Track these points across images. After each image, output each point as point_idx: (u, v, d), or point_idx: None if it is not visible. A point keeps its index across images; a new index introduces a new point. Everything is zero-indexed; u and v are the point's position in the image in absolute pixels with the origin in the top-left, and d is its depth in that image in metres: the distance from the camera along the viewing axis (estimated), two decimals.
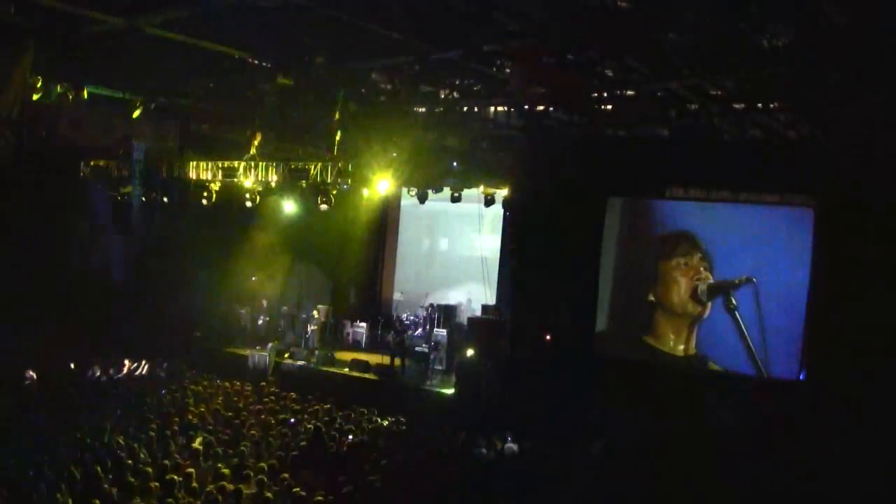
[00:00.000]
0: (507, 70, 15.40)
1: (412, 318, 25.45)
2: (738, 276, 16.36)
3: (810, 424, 14.29)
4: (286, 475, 11.79)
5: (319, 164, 21.60)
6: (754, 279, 16.19)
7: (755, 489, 12.45)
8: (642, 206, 18.06)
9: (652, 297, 17.39)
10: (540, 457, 13.99)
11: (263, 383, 20.39)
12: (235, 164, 22.87)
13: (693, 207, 17.27)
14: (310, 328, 23.69)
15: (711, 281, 16.72)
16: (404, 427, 16.49)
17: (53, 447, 12.81)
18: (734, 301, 16.42)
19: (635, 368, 17.02)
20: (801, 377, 15.56)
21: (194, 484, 11.31)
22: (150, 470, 11.70)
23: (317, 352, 22.26)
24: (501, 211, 21.50)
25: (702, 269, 16.83)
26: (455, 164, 20.66)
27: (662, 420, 14.86)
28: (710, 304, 16.75)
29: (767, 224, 16.37)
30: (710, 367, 16.77)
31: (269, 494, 11.01)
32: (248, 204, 23.71)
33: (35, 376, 18.39)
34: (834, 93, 14.15)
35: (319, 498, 10.90)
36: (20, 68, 15.80)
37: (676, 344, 17.18)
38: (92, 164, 24.88)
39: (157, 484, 11.10)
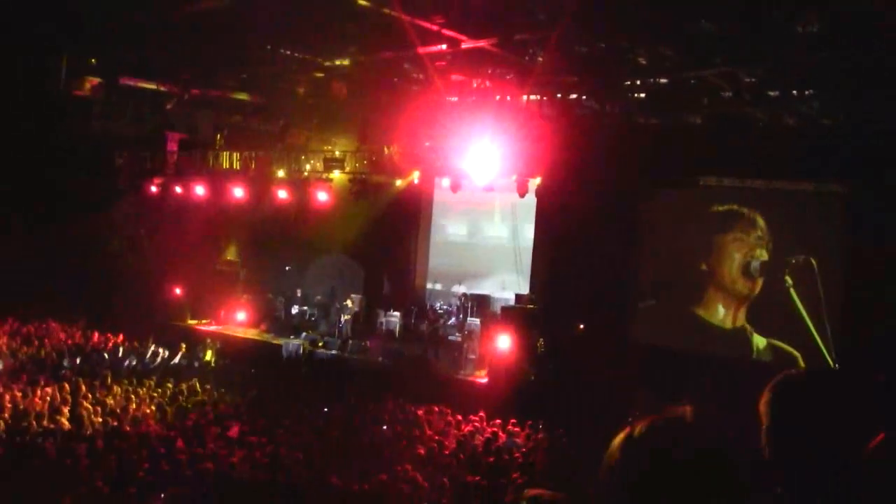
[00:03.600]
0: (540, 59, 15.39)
1: (445, 307, 25.46)
2: (796, 257, 16.27)
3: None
4: (320, 464, 11.87)
5: (353, 155, 21.68)
6: (813, 260, 16.08)
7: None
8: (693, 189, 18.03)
9: (705, 267, 17.36)
10: (572, 446, 13.96)
11: None
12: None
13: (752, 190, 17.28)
14: (343, 317, 23.76)
15: (766, 258, 16.64)
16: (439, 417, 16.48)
17: None
18: (789, 280, 16.33)
19: (670, 355, 16.90)
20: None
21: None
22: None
23: (350, 341, 22.35)
24: (535, 200, 21.45)
25: (756, 246, 16.78)
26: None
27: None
28: (761, 281, 16.67)
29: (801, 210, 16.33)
30: (753, 339, 16.73)
31: (301, 483, 11.09)
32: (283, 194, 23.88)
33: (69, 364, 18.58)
34: (868, 79, 13.99)
35: (354, 488, 10.96)
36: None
37: (725, 317, 17.19)
38: (126, 154, 25.16)
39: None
